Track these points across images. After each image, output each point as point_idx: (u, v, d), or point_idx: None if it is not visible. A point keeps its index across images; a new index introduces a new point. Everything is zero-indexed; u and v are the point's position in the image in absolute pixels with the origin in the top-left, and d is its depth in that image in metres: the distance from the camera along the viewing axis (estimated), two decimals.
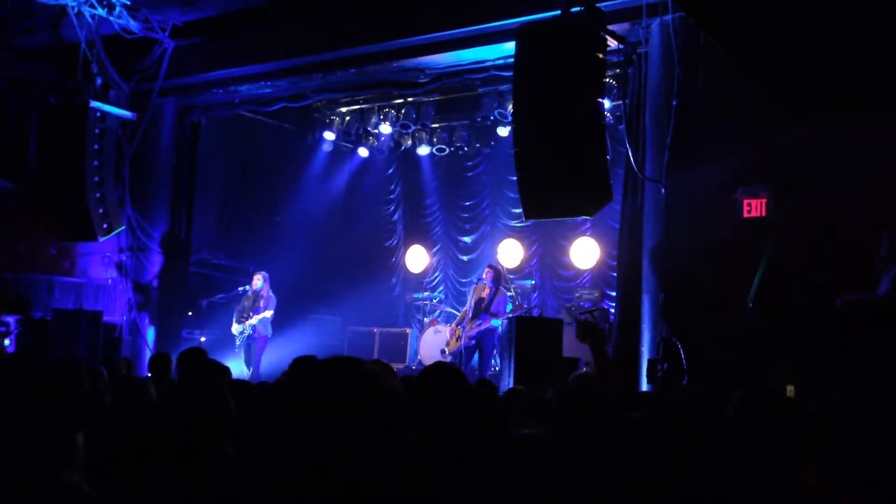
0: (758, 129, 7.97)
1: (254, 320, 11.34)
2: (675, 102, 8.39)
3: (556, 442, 2.56)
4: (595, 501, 2.50)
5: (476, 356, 11.14)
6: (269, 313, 11.41)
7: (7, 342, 10.39)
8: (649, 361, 8.26)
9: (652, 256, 8.59)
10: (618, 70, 9.53)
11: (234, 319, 11.59)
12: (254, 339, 11.45)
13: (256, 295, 11.54)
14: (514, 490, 1.82)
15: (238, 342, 11.50)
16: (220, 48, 11.26)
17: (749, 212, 8.03)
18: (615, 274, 11.30)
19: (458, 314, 11.77)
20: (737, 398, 3.33)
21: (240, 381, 3.97)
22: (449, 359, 11.63)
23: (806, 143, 7.61)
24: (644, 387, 8.20)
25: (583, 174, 7.90)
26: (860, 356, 5.93)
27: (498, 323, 10.81)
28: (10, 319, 11.16)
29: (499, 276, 11.13)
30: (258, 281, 11.60)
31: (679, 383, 7.82)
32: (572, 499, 2.33)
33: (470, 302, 11.25)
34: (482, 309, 10.92)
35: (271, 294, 11.64)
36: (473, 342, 11.00)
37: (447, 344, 11.49)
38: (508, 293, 11.27)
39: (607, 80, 9.47)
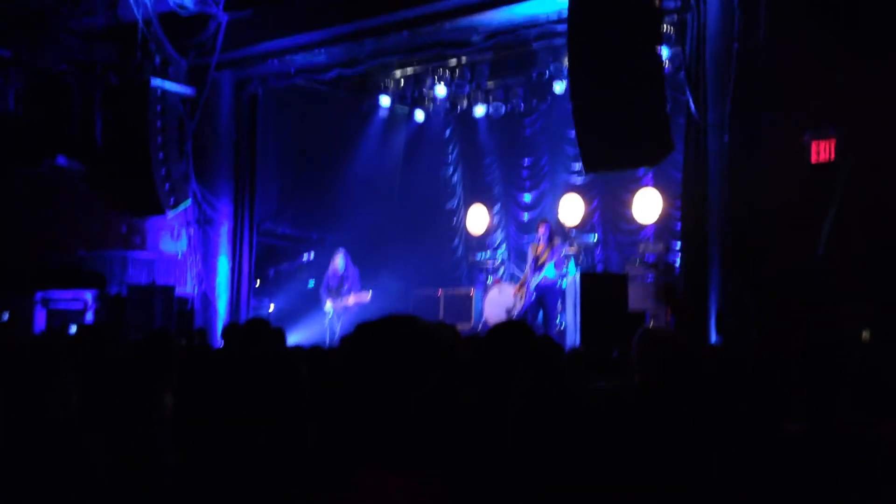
0: (823, 70, 7.71)
1: (350, 301, 11.57)
2: (735, 46, 8.16)
3: (632, 395, 2.56)
4: (673, 455, 2.50)
5: (540, 314, 11.15)
6: (366, 297, 11.61)
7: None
8: (718, 313, 8.16)
9: (717, 206, 8.43)
10: (675, 16, 9.29)
11: (322, 296, 11.84)
12: (342, 312, 11.74)
13: (341, 275, 11.75)
14: (589, 443, 1.84)
15: (327, 319, 11.75)
16: (274, 18, 11.31)
17: (818, 155, 7.81)
18: (680, 225, 11.15)
19: (522, 273, 11.81)
20: (797, 353, 3.27)
21: (313, 348, 4.06)
22: (514, 318, 11.68)
23: (873, 83, 7.34)
24: (713, 339, 8.12)
25: (642, 124, 7.78)
26: None
27: (552, 272, 10.81)
28: (88, 296, 11.55)
29: (552, 230, 11.13)
30: (339, 260, 11.80)
31: (750, 334, 7.72)
32: (647, 452, 2.33)
33: (529, 260, 11.28)
34: (538, 265, 10.96)
35: (354, 268, 11.83)
36: (535, 298, 11.01)
37: (513, 305, 11.53)
38: (569, 248, 11.21)
39: (664, 26, 9.25)
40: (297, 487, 2.13)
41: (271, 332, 5.18)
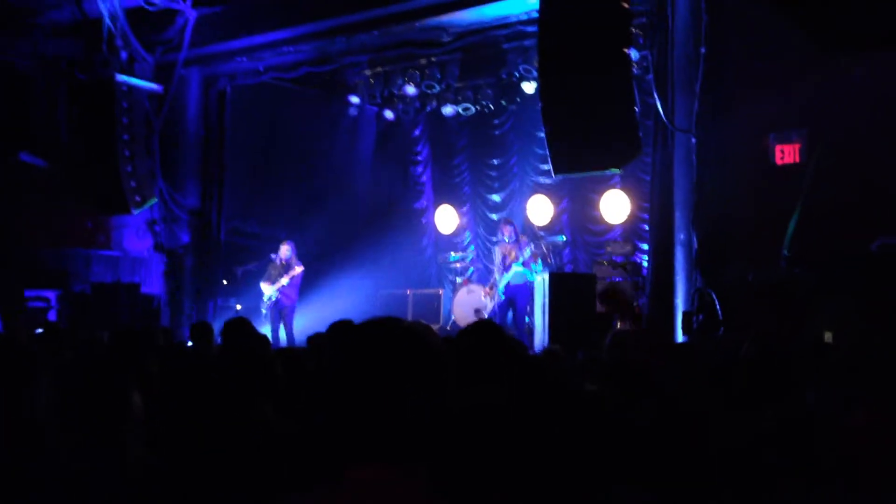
0: (789, 73, 7.83)
1: (284, 280, 11.45)
2: (703, 50, 8.26)
3: (606, 395, 2.59)
4: (651, 451, 2.53)
5: (510, 313, 11.20)
6: (299, 269, 11.52)
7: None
8: (684, 313, 8.25)
9: (684, 207, 8.53)
10: (644, 19, 9.38)
11: (261, 283, 11.74)
12: (283, 306, 11.56)
13: (284, 264, 11.63)
14: (573, 438, 1.87)
15: (264, 309, 11.62)
16: (243, 15, 11.24)
17: (782, 158, 7.93)
18: (647, 227, 11.25)
19: (491, 273, 11.85)
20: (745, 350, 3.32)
21: (286, 349, 4.04)
22: (484, 318, 11.71)
23: (838, 85, 7.48)
24: (679, 338, 8.21)
25: (611, 127, 7.85)
26: None
27: (521, 268, 10.88)
28: (51, 294, 11.37)
29: (515, 229, 11.27)
30: (286, 250, 11.68)
31: (715, 334, 7.82)
32: (630, 448, 2.37)
33: (497, 262, 11.32)
34: (507, 265, 11.02)
35: (298, 263, 11.72)
36: (506, 299, 11.07)
37: (484, 306, 11.57)
38: (535, 247, 11.28)
39: (633, 29, 9.33)
40: (285, 482, 2.13)
41: (255, 334, 5.12)
